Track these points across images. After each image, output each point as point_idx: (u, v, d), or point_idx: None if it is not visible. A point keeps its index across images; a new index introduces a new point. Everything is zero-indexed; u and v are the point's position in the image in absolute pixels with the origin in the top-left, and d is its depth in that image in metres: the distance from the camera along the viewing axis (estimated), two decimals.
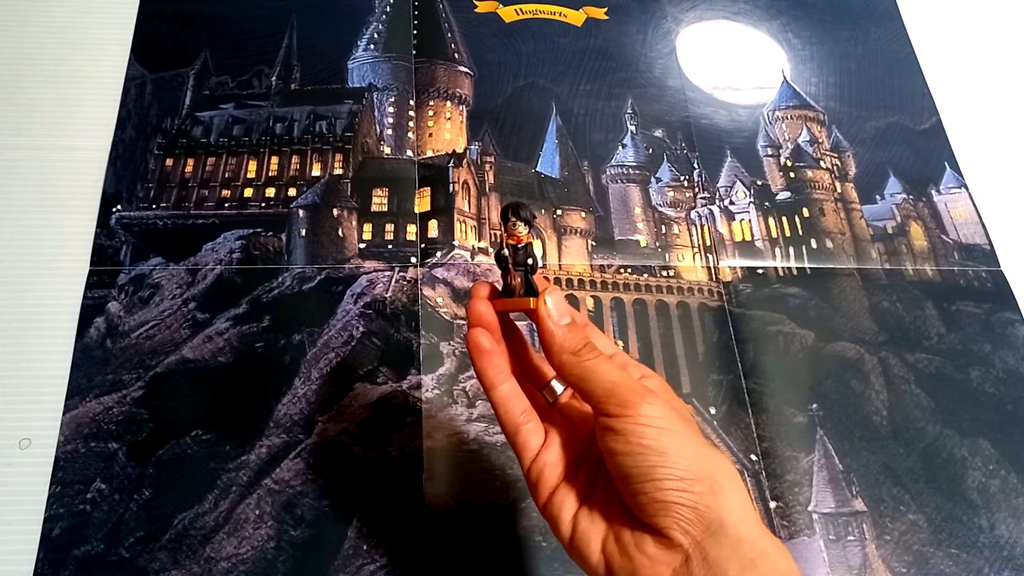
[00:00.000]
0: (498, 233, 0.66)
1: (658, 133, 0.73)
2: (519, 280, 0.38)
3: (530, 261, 0.39)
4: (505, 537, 0.53)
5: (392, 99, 0.72)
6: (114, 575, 0.50)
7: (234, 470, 0.54)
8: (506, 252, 0.39)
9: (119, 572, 0.50)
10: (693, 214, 0.69)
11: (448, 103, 0.72)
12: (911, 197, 0.72)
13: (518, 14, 0.78)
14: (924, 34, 0.81)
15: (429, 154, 0.69)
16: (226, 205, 0.65)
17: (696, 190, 0.70)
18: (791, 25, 0.81)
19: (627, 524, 0.35)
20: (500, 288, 0.40)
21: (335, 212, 0.65)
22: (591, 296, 0.64)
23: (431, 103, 0.72)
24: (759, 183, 0.71)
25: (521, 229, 0.38)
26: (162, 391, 0.56)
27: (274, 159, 0.68)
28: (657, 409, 0.34)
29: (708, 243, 0.68)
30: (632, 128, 0.73)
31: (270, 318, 0.60)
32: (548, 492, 0.37)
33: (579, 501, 0.37)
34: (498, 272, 0.40)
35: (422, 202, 0.67)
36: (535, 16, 0.78)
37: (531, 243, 0.39)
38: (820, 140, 0.74)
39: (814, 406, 0.60)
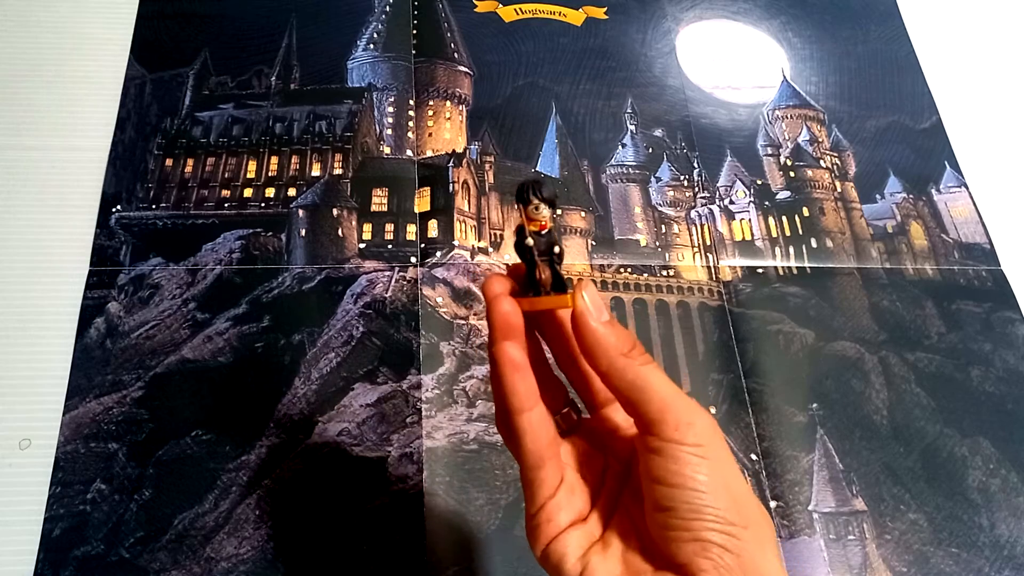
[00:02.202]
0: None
1: (658, 132, 0.73)
2: (548, 273, 0.32)
3: (556, 250, 0.33)
4: (505, 537, 0.53)
5: (392, 99, 0.72)
6: (114, 575, 0.50)
7: (234, 470, 0.54)
8: (530, 241, 0.32)
9: (119, 572, 0.50)
10: (693, 214, 0.69)
11: (448, 103, 0.72)
12: (911, 196, 0.72)
13: (518, 14, 0.78)
14: (924, 33, 0.81)
15: (429, 154, 0.69)
16: (226, 205, 0.65)
17: (696, 189, 0.70)
18: (791, 24, 0.81)
19: (648, 565, 0.31)
20: (521, 285, 0.34)
21: (335, 212, 0.65)
22: None
23: (431, 103, 0.72)
24: (759, 182, 0.71)
25: (544, 212, 0.32)
26: (162, 391, 0.56)
27: (274, 159, 0.68)
28: (712, 435, 0.30)
29: (708, 242, 0.68)
30: (632, 128, 0.73)
31: (270, 318, 0.60)
32: (556, 532, 0.33)
33: (590, 539, 0.33)
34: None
35: (422, 202, 0.67)
36: (535, 16, 0.78)
37: (553, 228, 0.33)
38: (820, 139, 0.74)
39: (814, 405, 0.60)
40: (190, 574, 0.50)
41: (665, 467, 0.30)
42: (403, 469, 0.55)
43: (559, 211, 0.68)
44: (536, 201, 0.32)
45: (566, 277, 0.33)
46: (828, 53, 0.79)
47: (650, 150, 0.72)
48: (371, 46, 0.74)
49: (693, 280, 0.65)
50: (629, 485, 0.34)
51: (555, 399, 0.36)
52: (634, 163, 0.71)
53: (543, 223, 0.32)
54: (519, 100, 0.73)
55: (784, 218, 0.69)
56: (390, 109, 0.72)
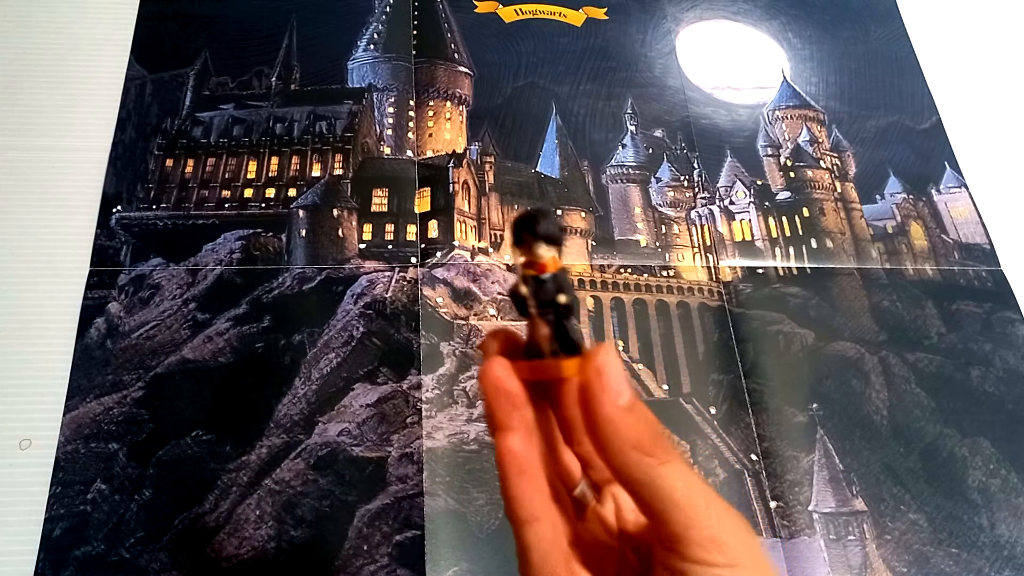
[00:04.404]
0: (498, 233, 0.66)
1: (658, 133, 0.73)
2: (546, 331, 0.26)
3: (562, 299, 0.26)
4: (506, 537, 0.53)
5: (392, 99, 0.72)
6: (114, 575, 0.50)
7: (234, 470, 0.54)
8: (524, 289, 0.26)
9: (120, 572, 0.50)
10: (693, 214, 0.69)
11: (448, 103, 0.72)
12: (911, 197, 0.72)
13: (518, 14, 0.78)
14: (924, 34, 0.81)
15: (429, 154, 0.69)
16: (226, 205, 0.65)
17: (696, 190, 0.70)
18: (791, 24, 0.81)
19: None
20: (525, 342, 0.27)
21: (335, 212, 0.65)
22: (591, 296, 0.64)
23: (431, 103, 0.72)
24: (759, 183, 0.71)
25: (543, 252, 0.25)
26: (162, 391, 0.56)
27: (274, 159, 0.68)
28: (747, 548, 0.25)
29: (708, 243, 0.68)
30: (632, 128, 0.73)
31: (270, 318, 0.60)
32: None
33: None
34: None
35: (422, 202, 0.67)
36: (535, 16, 0.78)
37: (562, 271, 0.26)
38: (820, 140, 0.74)
39: (814, 406, 0.60)
40: (190, 574, 0.50)
41: None
42: (403, 469, 0.55)
43: (559, 212, 0.68)
44: (529, 238, 0.25)
45: (579, 337, 0.26)
46: (828, 53, 0.79)
47: (650, 150, 0.72)
48: (371, 46, 0.74)
49: (693, 280, 0.65)
50: None
51: (566, 475, 0.30)
52: (634, 163, 0.71)
53: (542, 264, 0.26)
54: (519, 100, 0.73)
55: (784, 218, 0.69)
56: (390, 109, 0.72)
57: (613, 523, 0.30)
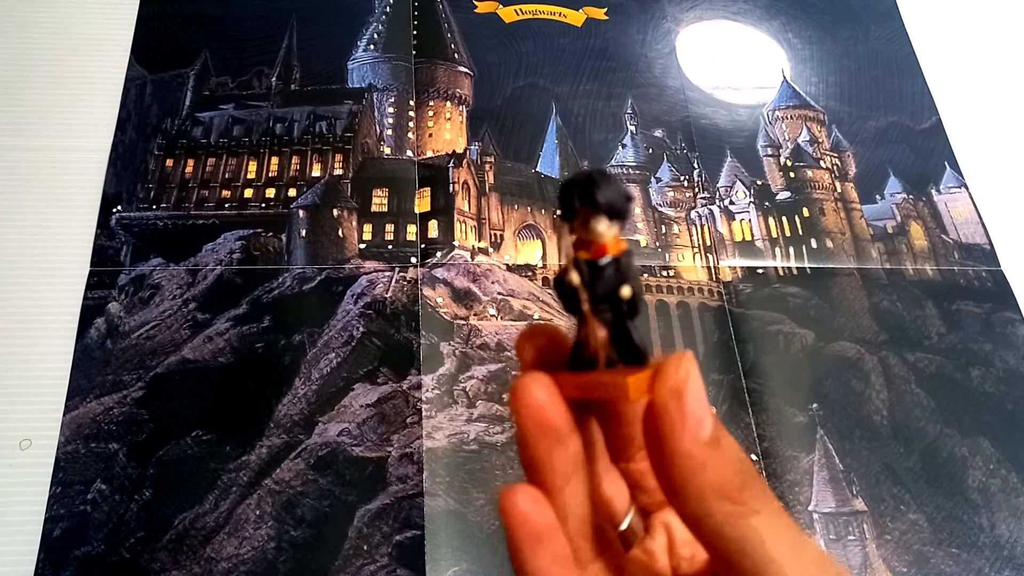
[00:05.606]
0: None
1: (658, 133, 0.73)
2: (604, 335, 0.20)
3: (625, 291, 0.20)
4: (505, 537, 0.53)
5: (392, 99, 0.72)
6: (115, 575, 0.50)
7: (234, 470, 0.54)
8: (574, 277, 0.20)
9: (120, 572, 0.50)
10: (693, 214, 0.69)
11: (448, 103, 0.72)
12: (911, 197, 0.72)
13: (518, 14, 0.78)
14: (924, 34, 0.81)
15: (429, 154, 0.69)
16: (226, 205, 0.65)
17: (696, 190, 0.70)
18: (791, 25, 0.81)
19: None
20: (572, 349, 0.21)
21: (335, 212, 0.65)
22: None
23: (431, 103, 0.72)
24: (759, 183, 0.71)
25: (603, 227, 0.19)
26: (162, 391, 0.56)
27: (274, 159, 0.68)
28: None
29: (708, 243, 0.68)
30: (632, 128, 0.73)
31: (270, 318, 0.60)
32: None
33: None
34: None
35: (422, 202, 0.67)
36: (535, 16, 0.78)
37: (626, 253, 0.20)
38: (820, 140, 0.74)
39: (814, 406, 0.60)
40: (190, 574, 0.50)
41: None
42: (403, 469, 0.55)
43: (559, 212, 0.67)
44: (587, 210, 0.19)
45: (643, 342, 0.20)
46: (828, 53, 0.79)
47: (650, 150, 0.72)
48: (371, 46, 0.74)
49: (693, 280, 0.65)
50: None
51: (614, 504, 0.25)
52: (634, 163, 0.71)
53: (601, 246, 0.20)
54: (519, 100, 0.73)
55: (784, 218, 0.69)
56: (390, 109, 0.72)
57: (665, 562, 0.25)
